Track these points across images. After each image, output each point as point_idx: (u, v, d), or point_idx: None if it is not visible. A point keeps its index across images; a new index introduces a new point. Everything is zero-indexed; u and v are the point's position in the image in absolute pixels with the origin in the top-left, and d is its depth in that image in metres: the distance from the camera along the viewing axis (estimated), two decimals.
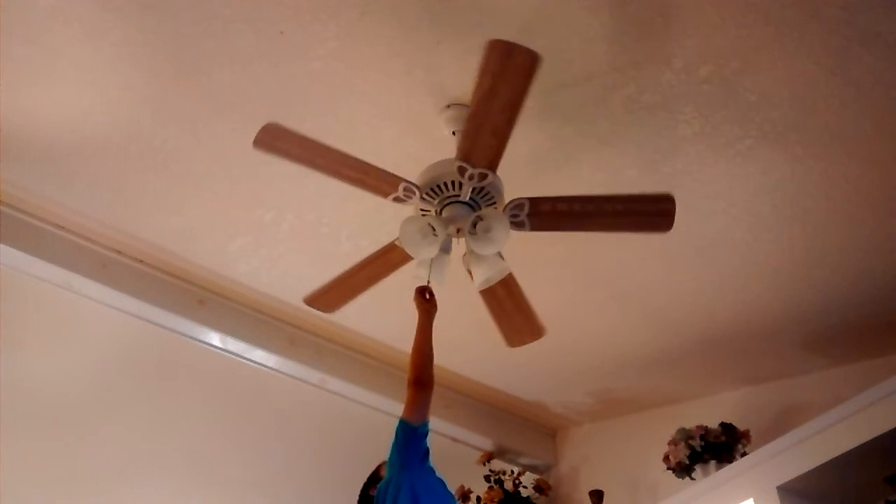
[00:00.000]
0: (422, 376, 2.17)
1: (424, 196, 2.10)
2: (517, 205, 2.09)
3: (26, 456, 3.51)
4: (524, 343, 2.52)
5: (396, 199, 2.08)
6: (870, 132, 2.14)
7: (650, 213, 2.12)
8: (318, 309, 2.50)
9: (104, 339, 3.21)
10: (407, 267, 2.27)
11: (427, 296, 2.28)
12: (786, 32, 1.94)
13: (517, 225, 2.11)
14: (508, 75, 1.78)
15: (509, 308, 2.37)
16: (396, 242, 2.15)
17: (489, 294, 2.32)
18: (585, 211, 2.10)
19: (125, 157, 2.50)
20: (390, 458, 2.12)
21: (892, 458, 2.27)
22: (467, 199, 2.08)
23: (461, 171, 2.01)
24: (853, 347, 2.83)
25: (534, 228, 2.12)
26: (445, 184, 2.07)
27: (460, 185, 2.05)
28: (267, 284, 3.02)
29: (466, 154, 1.97)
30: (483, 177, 2.01)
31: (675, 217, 2.09)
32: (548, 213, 2.10)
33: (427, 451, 2.14)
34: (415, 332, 2.23)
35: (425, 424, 2.12)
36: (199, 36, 2.11)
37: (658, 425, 3.21)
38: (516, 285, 2.30)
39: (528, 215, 2.10)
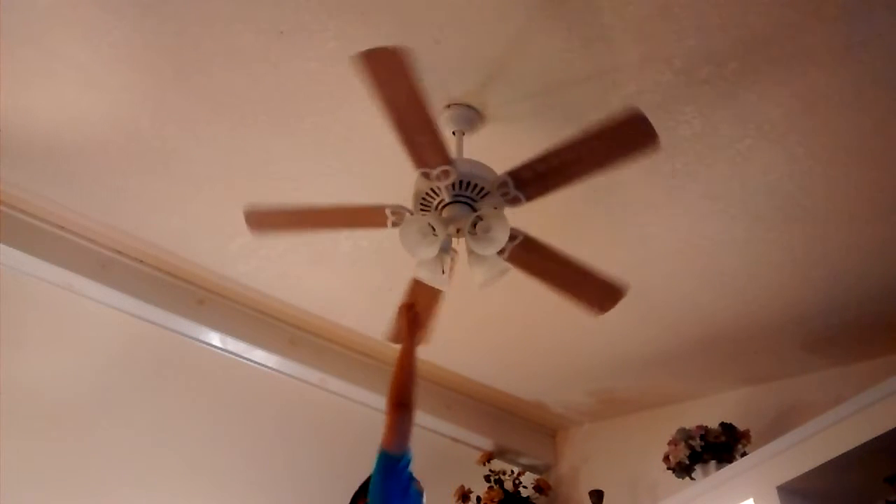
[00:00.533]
0: (404, 398, 1.99)
1: (421, 209, 2.10)
2: (502, 182, 2.07)
3: (26, 456, 3.51)
4: (611, 307, 2.40)
5: (395, 225, 2.10)
6: (870, 132, 2.14)
7: (631, 138, 2.00)
8: (250, 226, 2.27)
9: (104, 339, 3.21)
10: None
11: (413, 314, 2.19)
12: (786, 32, 1.94)
13: (513, 201, 2.09)
14: (392, 79, 1.78)
15: (572, 278, 2.27)
16: (387, 211, 2.13)
17: (545, 276, 2.25)
18: (566, 160, 2.02)
19: (125, 158, 2.50)
20: (371, 490, 1.93)
21: (892, 458, 2.27)
22: (453, 198, 2.07)
23: (426, 176, 2.01)
24: (853, 347, 2.83)
25: (529, 198, 2.09)
26: (428, 194, 2.07)
27: (438, 189, 2.05)
28: (267, 284, 3.02)
29: (418, 161, 1.98)
30: (447, 174, 2.01)
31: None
32: (532, 178, 2.05)
33: (410, 481, 1.94)
34: (399, 352, 2.10)
35: (407, 454, 1.94)
36: (199, 36, 2.11)
37: (658, 425, 3.21)
38: (565, 255, 2.23)
39: (515, 187, 2.07)
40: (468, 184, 2.07)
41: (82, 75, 2.24)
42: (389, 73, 1.78)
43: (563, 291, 2.31)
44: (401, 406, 1.97)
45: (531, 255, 2.19)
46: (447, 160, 2.00)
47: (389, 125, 1.91)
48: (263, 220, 2.08)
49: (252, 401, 3.54)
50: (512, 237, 2.11)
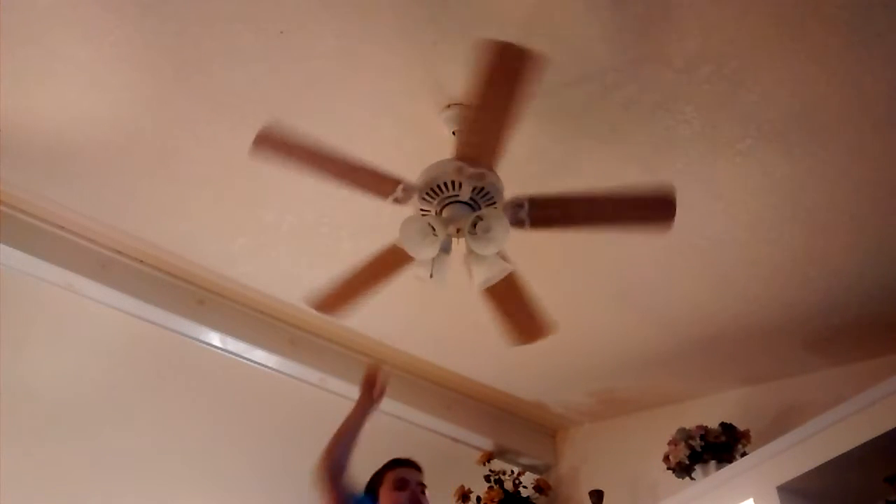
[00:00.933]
0: (324, 457, 2.08)
1: (424, 196, 2.10)
2: (516, 203, 2.09)
3: (26, 456, 3.51)
4: (529, 342, 2.48)
5: (396, 201, 2.08)
6: (870, 132, 2.14)
7: (650, 212, 2.10)
8: (321, 312, 2.48)
9: (104, 339, 3.21)
10: (408, 268, 2.27)
11: (374, 387, 2.17)
12: (786, 32, 1.94)
13: (517, 223, 2.11)
14: (506, 76, 1.78)
15: (512, 306, 2.34)
16: (396, 243, 2.14)
17: (490, 292, 2.29)
18: (584, 209, 2.09)
19: (125, 158, 2.50)
20: None
21: (892, 458, 2.27)
22: (467, 199, 2.08)
23: (460, 170, 2.01)
24: (853, 347, 2.83)
25: (533, 226, 2.12)
26: (445, 184, 2.07)
27: (460, 184, 2.05)
28: (267, 284, 3.02)
29: (465, 153, 1.97)
30: (481, 176, 2.02)
31: (676, 217, 2.09)
32: (547, 211, 2.09)
33: None
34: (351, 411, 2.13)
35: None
36: (199, 36, 2.11)
37: (658, 425, 3.21)
38: (520, 282, 2.28)
39: (528, 213, 2.09)
40: (486, 192, 2.08)
41: (83, 75, 2.23)
42: (511, 70, 1.77)
43: (607, 225, 2.22)
44: (320, 462, 2.03)
45: (548, 211, 2.16)
46: (493, 166, 2.02)
47: (468, 112, 1.90)
48: (276, 141, 2.00)
49: (252, 401, 3.54)
50: (519, 204, 2.11)
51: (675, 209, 2.05)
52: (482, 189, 2.07)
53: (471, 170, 1.99)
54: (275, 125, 1.98)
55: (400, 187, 2.05)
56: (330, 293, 2.39)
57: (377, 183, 2.06)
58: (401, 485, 2.13)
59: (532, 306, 2.35)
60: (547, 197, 2.09)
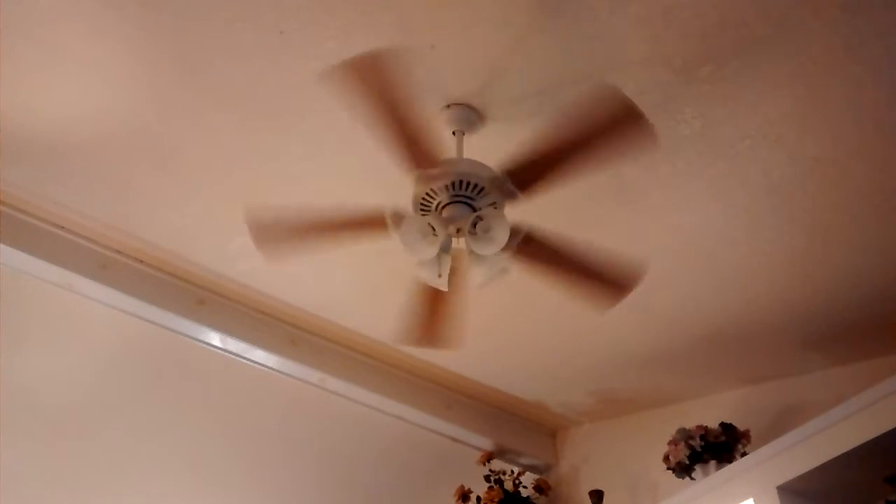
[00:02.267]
0: None
1: (420, 212, 2.10)
2: (497, 179, 2.07)
3: (26, 456, 3.51)
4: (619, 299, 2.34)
5: (396, 225, 2.10)
6: (870, 132, 2.14)
7: (625, 133, 1.97)
8: (257, 241, 2.26)
9: (104, 339, 3.21)
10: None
11: None
12: (786, 32, 1.94)
13: (509, 196, 2.08)
14: (378, 85, 1.80)
15: (579, 272, 2.24)
16: (386, 216, 2.12)
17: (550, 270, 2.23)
18: (561, 155, 2.01)
19: (125, 157, 2.50)
20: None
21: (892, 458, 2.27)
22: (451, 198, 2.07)
23: (422, 178, 2.04)
24: (853, 347, 2.83)
25: (525, 193, 2.08)
26: (427, 195, 2.08)
27: (482, 190, 2.06)
28: (267, 284, 3.02)
29: (412, 164, 2.01)
30: (441, 175, 2.04)
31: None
32: (528, 172, 2.05)
33: None
34: None
35: None
36: (200, 34, 2.11)
37: (658, 425, 3.21)
38: (569, 246, 2.20)
39: (514, 183, 2.06)
40: (465, 183, 2.07)
41: (83, 73, 2.24)
42: (376, 79, 1.79)
43: (571, 286, 2.27)
44: None
45: (536, 251, 2.17)
46: (439, 161, 2.00)
47: (380, 131, 1.92)
48: (269, 235, 2.12)
49: (252, 401, 3.54)
50: (515, 233, 2.11)
51: (646, 121, 1.92)
52: (466, 183, 2.06)
53: (435, 171, 2.01)
54: (255, 214, 2.08)
55: (389, 218, 2.08)
56: (276, 225, 2.23)
57: (368, 224, 2.09)
58: None
59: (601, 264, 2.23)
60: (520, 159, 2.04)
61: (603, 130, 1.94)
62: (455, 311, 2.34)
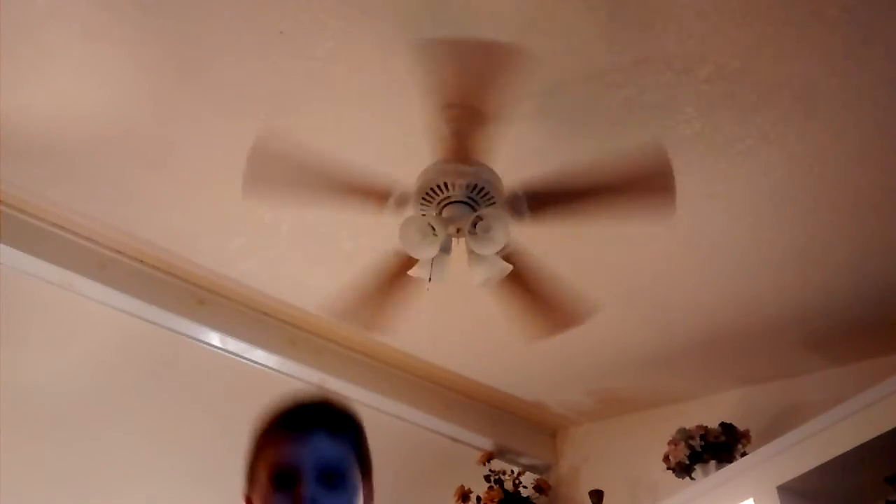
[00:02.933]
0: None
1: (422, 200, 2.10)
2: (514, 196, 2.08)
3: (26, 456, 3.51)
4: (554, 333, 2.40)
5: (393, 207, 2.09)
6: (870, 132, 2.14)
7: (649, 188, 2.04)
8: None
9: (104, 339, 3.21)
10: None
11: None
12: (786, 32, 1.94)
13: (518, 216, 2.10)
14: (488, 74, 1.78)
15: (532, 298, 2.28)
16: (391, 197, 2.12)
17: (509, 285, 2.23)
18: (581, 190, 2.04)
19: (125, 157, 2.50)
20: None
21: (892, 458, 2.27)
22: (464, 198, 2.08)
23: (452, 171, 2.01)
24: (853, 347, 2.83)
25: (534, 216, 2.10)
26: (439, 186, 2.07)
27: (453, 185, 2.05)
28: (267, 284, 3.02)
29: (456, 153, 1.98)
30: (475, 174, 2.03)
31: (676, 216, 2.08)
32: (545, 198, 2.07)
33: None
34: None
35: None
36: (199, 35, 2.11)
37: (658, 425, 3.21)
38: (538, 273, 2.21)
39: (527, 203, 2.09)
40: (481, 189, 2.07)
41: (82, 74, 2.24)
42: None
43: (519, 306, 2.30)
44: None
45: (546, 198, 2.14)
46: (467, 159, 2.01)
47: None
48: (265, 171, 2.07)
49: (252, 401, 3.51)
50: (517, 196, 2.10)
51: (673, 182, 1.97)
52: (481, 188, 2.07)
53: (463, 168, 2.00)
54: (265, 137, 2.01)
55: (392, 198, 2.06)
56: (351, 306, 2.36)
57: (369, 195, 2.08)
58: (282, 482, 1.08)
59: (555, 296, 2.27)
60: (544, 184, 2.07)
61: (633, 183, 1.99)
62: (402, 299, 2.33)
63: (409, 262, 2.15)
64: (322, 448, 1.08)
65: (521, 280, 2.22)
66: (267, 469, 1.15)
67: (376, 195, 2.07)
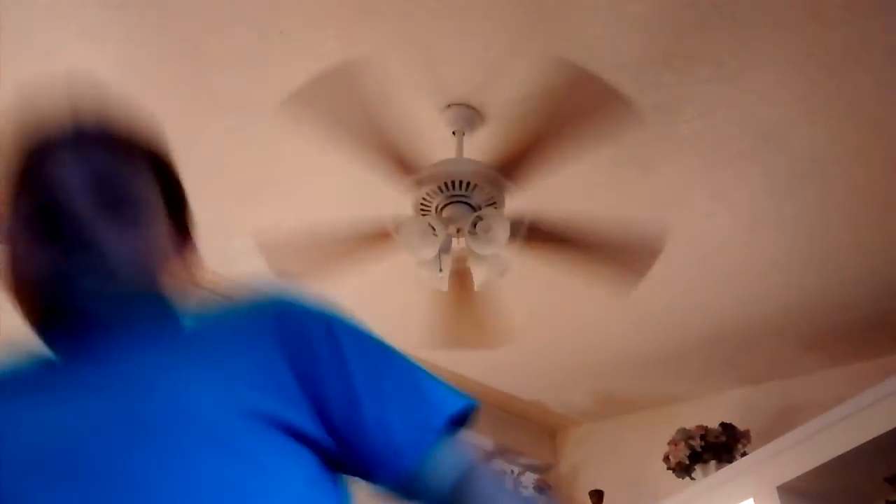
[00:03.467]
0: None
1: (422, 202, 2.10)
2: (487, 175, 2.08)
3: None
4: (647, 268, 2.30)
5: (413, 184, 2.08)
6: (870, 132, 2.14)
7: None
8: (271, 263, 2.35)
9: None
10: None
11: None
12: (786, 32, 1.94)
13: (504, 189, 2.10)
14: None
15: (595, 250, 2.20)
16: (389, 227, 2.13)
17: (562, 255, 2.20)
18: (542, 139, 2.02)
19: None
20: None
21: (892, 458, 2.27)
22: (446, 201, 2.09)
23: (487, 177, 2.04)
24: (853, 347, 2.83)
25: (516, 182, 2.10)
26: (424, 199, 2.09)
27: (475, 187, 2.06)
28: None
29: (503, 163, 2.01)
30: (428, 178, 2.05)
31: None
32: (513, 160, 2.06)
33: None
34: None
35: None
36: (199, 35, 2.11)
37: (658, 425, 3.21)
38: (577, 226, 2.17)
39: (526, 231, 2.11)
40: (458, 182, 2.08)
41: (82, 74, 2.23)
42: (394, 73, 1.79)
43: (589, 268, 2.22)
44: None
45: (546, 239, 2.16)
46: (441, 161, 2.01)
47: (361, 149, 1.93)
48: (283, 259, 2.16)
49: None
50: (517, 225, 2.11)
51: (650, 265, 2.11)
52: (481, 188, 2.07)
53: (462, 168, 2.01)
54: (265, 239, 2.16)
55: (393, 230, 2.09)
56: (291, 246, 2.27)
57: (373, 240, 2.12)
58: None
59: (617, 237, 2.20)
60: (548, 222, 2.10)
61: (578, 112, 1.96)
62: (485, 308, 2.35)
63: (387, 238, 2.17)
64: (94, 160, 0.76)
65: (570, 241, 2.17)
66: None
67: (403, 166, 2.07)
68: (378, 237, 2.14)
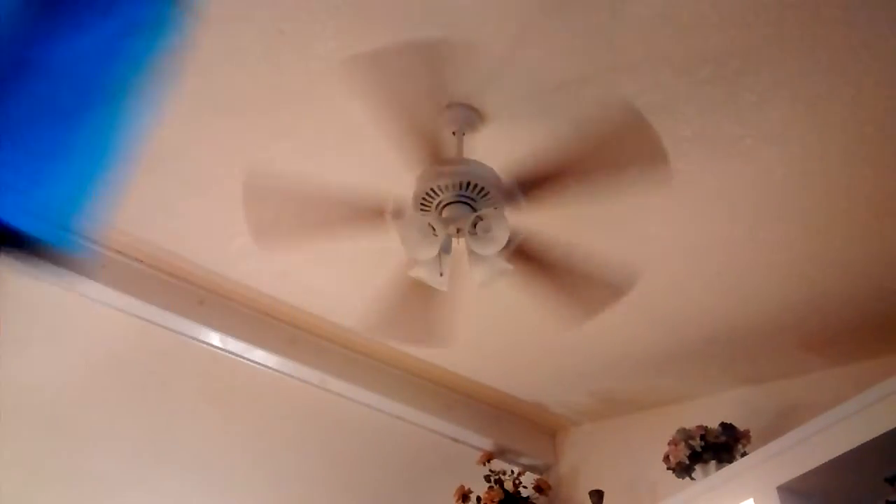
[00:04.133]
0: None
1: (421, 203, 2.10)
2: (503, 184, 2.09)
3: (26, 456, 3.51)
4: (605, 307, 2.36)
5: (393, 217, 2.10)
6: (870, 132, 2.14)
7: (632, 143, 2.04)
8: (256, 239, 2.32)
9: (104, 339, 3.21)
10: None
11: None
12: (786, 32, 1.94)
13: (513, 202, 2.10)
14: (383, 82, 1.84)
15: (570, 281, 2.25)
16: (386, 209, 2.13)
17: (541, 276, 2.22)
18: (569, 165, 2.03)
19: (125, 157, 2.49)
20: None
21: (892, 458, 2.27)
22: (462, 198, 2.08)
23: (429, 175, 2.05)
24: (853, 347, 2.83)
25: (529, 199, 2.10)
26: (428, 193, 2.08)
27: (487, 193, 2.07)
28: (267, 284, 3.02)
29: (423, 159, 2.01)
30: (452, 173, 2.07)
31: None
32: (535, 180, 2.07)
33: None
34: None
35: None
36: (199, 35, 2.11)
37: (658, 425, 3.21)
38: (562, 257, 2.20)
39: (520, 189, 2.09)
40: (472, 185, 2.08)
41: None
42: (385, 75, 1.79)
43: (559, 293, 2.29)
44: None
45: (531, 257, 2.19)
46: (447, 159, 2.00)
47: (393, 124, 1.91)
48: (266, 217, 2.11)
49: (252, 401, 3.54)
50: (510, 239, 2.11)
51: (653, 131, 1.98)
52: (480, 188, 2.07)
53: (462, 168, 2.01)
54: (254, 177, 2.07)
55: (389, 213, 2.08)
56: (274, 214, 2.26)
57: (366, 219, 2.10)
58: None
59: (593, 274, 2.24)
60: (527, 166, 2.07)
61: (616, 151, 1.97)
62: (441, 308, 2.34)
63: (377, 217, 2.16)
64: None
65: (544, 265, 2.20)
66: None
67: (374, 216, 2.08)
68: (370, 213, 2.11)
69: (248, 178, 2.14)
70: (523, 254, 2.18)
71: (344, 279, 2.95)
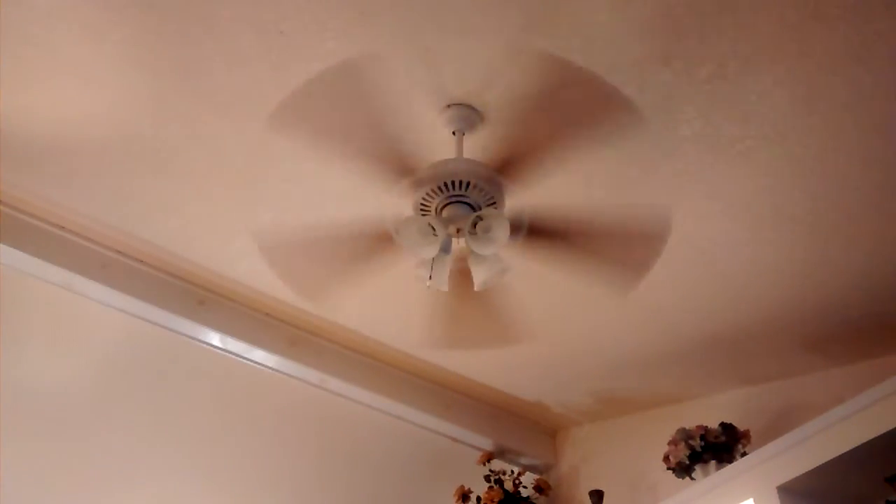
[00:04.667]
0: None
1: (421, 202, 2.10)
2: (487, 175, 2.09)
3: (26, 456, 3.51)
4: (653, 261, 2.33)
5: (415, 183, 2.09)
6: (870, 132, 2.14)
7: (606, 110, 2.06)
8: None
9: (104, 339, 3.21)
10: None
11: None
12: (786, 32, 1.94)
13: (504, 189, 2.10)
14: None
15: (599, 245, 2.21)
16: (389, 229, 2.13)
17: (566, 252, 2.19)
18: (544, 140, 2.04)
19: (125, 157, 2.50)
20: None
21: (892, 458, 2.27)
22: (446, 201, 2.09)
23: (485, 176, 2.04)
24: (853, 347, 2.83)
25: (517, 182, 2.10)
26: (459, 183, 2.08)
27: (474, 186, 2.06)
28: (267, 284, 3.02)
29: (503, 163, 2.00)
30: (499, 187, 2.06)
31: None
32: (514, 160, 2.07)
33: None
34: None
35: None
36: (200, 35, 2.11)
37: (658, 425, 3.21)
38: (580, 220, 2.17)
39: (527, 226, 2.11)
40: (458, 182, 2.08)
41: (82, 75, 2.24)
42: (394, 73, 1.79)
43: (594, 259, 2.21)
44: None
45: (546, 234, 2.16)
46: (452, 159, 2.01)
47: (393, 124, 1.92)
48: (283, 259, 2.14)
49: (252, 401, 3.54)
50: (517, 224, 2.11)
51: (658, 253, 2.08)
52: (480, 188, 2.08)
53: (462, 168, 2.01)
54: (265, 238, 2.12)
55: (393, 231, 2.09)
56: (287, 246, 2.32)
57: (374, 241, 2.12)
58: None
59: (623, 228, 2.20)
60: (548, 215, 2.08)
61: (578, 112, 1.96)
62: (487, 308, 2.34)
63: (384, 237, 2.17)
64: None
65: (566, 234, 2.17)
66: None
67: (403, 167, 2.07)
68: (378, 238, 2.14)
69: (260, 241, 2.17)
70: (539, 231, 2.14)
71: (343, 280, 2.95)
